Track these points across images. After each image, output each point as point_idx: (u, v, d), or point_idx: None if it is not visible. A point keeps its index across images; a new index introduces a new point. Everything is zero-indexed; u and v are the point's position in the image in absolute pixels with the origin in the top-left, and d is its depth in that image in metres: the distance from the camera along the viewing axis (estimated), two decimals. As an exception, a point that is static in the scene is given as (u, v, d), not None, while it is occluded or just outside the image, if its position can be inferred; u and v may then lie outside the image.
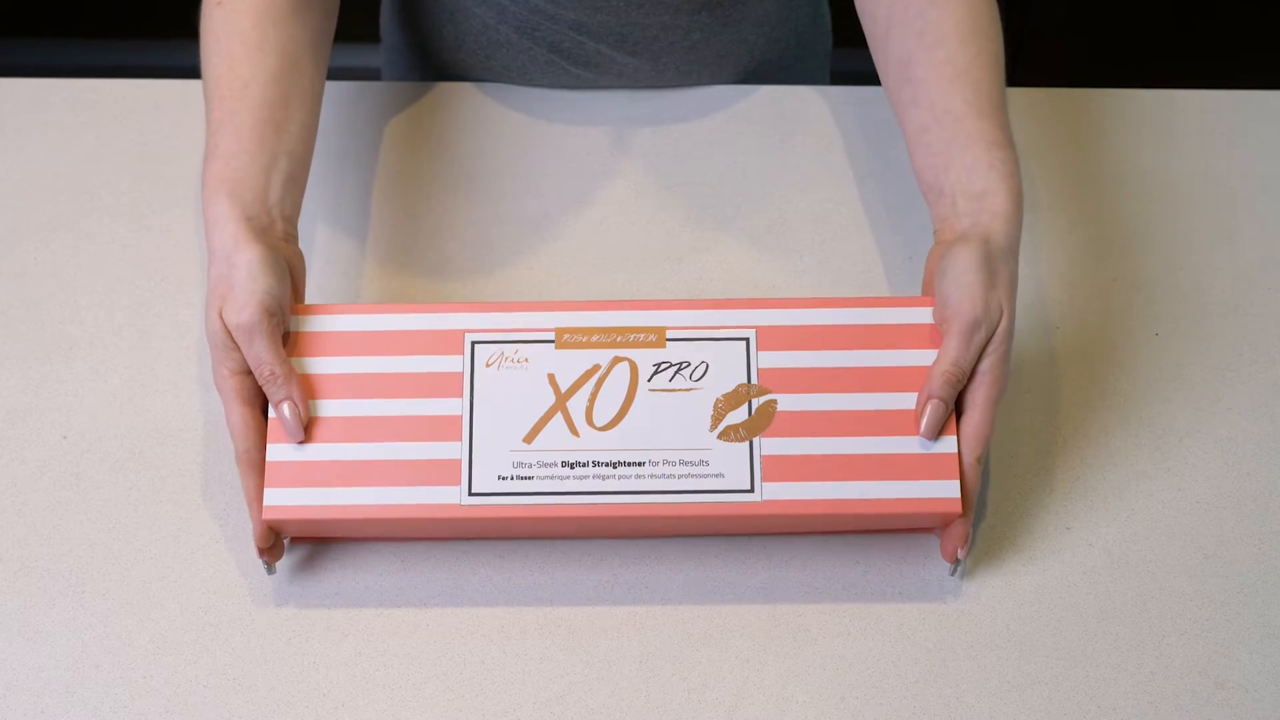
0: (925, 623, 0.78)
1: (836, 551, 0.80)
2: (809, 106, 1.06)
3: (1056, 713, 0.74)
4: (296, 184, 0.84)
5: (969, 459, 0.76)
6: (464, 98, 1.06)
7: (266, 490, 0.75)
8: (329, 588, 0.79)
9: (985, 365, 0.77)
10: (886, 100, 1.05)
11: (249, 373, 0.77)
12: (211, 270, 0.79)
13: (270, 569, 0.77)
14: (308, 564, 0.80)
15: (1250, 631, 0.77)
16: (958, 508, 0.74)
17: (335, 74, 1.03)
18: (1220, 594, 0.79)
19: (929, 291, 0.80)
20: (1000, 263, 0.78)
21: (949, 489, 0.75)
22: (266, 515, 0.75)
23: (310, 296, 0.92)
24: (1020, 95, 1.06)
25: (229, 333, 0.77)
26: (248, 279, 0.77)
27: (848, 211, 0.99)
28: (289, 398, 0.76)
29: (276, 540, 0.78)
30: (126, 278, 0.94)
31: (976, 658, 0.76)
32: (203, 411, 0.87)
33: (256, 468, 0.76)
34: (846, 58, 1.31)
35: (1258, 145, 1.04)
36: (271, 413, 0.77)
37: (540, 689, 0.75)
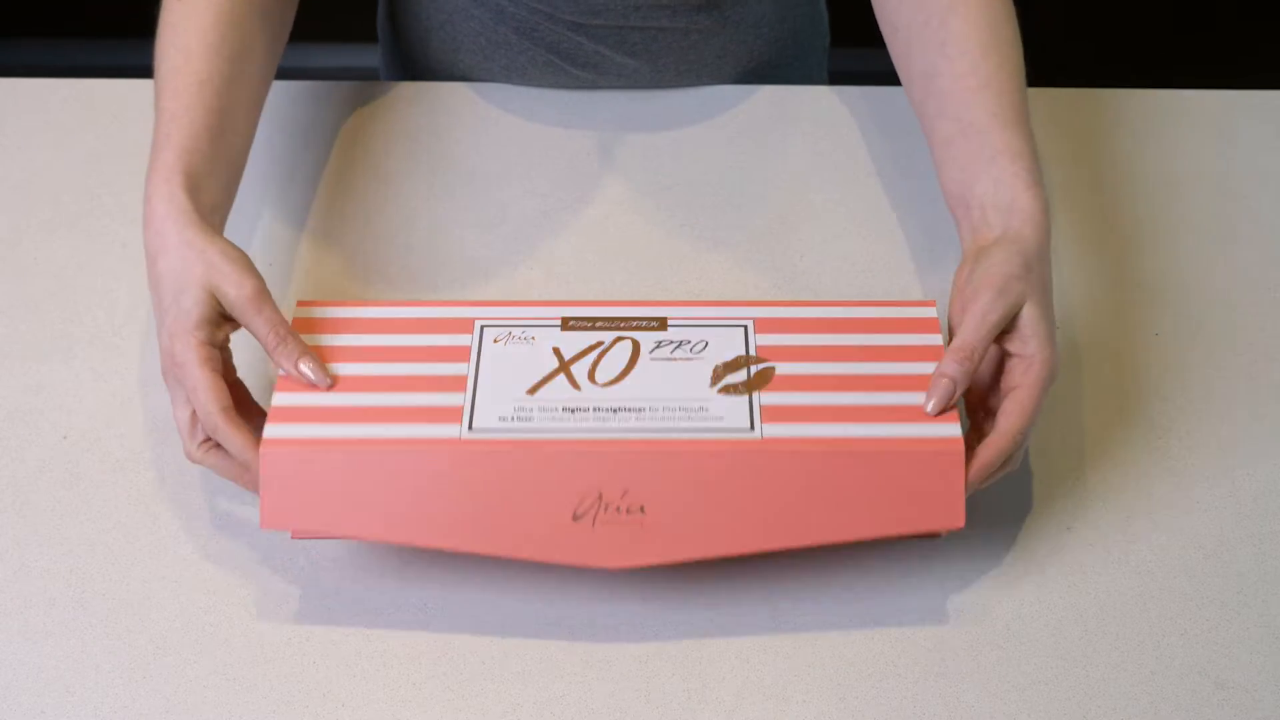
0: (925, 623, 0.78)
1: (837, 552, 0.80)
2: (808, 106, 1.06)
3: (1056, 713, 0.74)
4: (230, 193, 0.85)
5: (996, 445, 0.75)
6: (463, 98, 1.06)
7: (268, 426, 0.75)
8: (329, 588, 0.79)
9: (1024, 351, 0.77)
10: (885, 100, 1.06)
11: (218, 345, 0.78)
12: (169, 257, 0.78)
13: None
14: (308, 564, 0.80)
15: (1250, 631, 0.77)
16: (959, 446, 0.74)
17: (335, 74, 1.03)
18: (1220, 594, 0.79)
19: (957, 305, 0.79)
20: (1035, 260, 0.78)
21: (950, 430, 0.75)
22: (266, 446, 0.74)
23: (310, 296, 0.92)
24: (1020, 95, 1.06)
25: (221, 309, 0.77)
26: (236, 257, 0.78)
27: (847, 211, 0.99)
28: (305, 353, 0.77)
29: None
30: (126, 278, 0.94)
31: (976, 658, 0.76)
32: (203, 411, 0.87)
33: (237, 422, 0.75)
34: (844, 57, 1.32)
35: (1258, 145, 1.04)
36: (281, 371, 0.77)
37: (540, 689, 0.75)
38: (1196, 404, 0.88)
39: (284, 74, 1.05)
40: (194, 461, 0.78)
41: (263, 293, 0.78)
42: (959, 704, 0.74)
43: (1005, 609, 0.78)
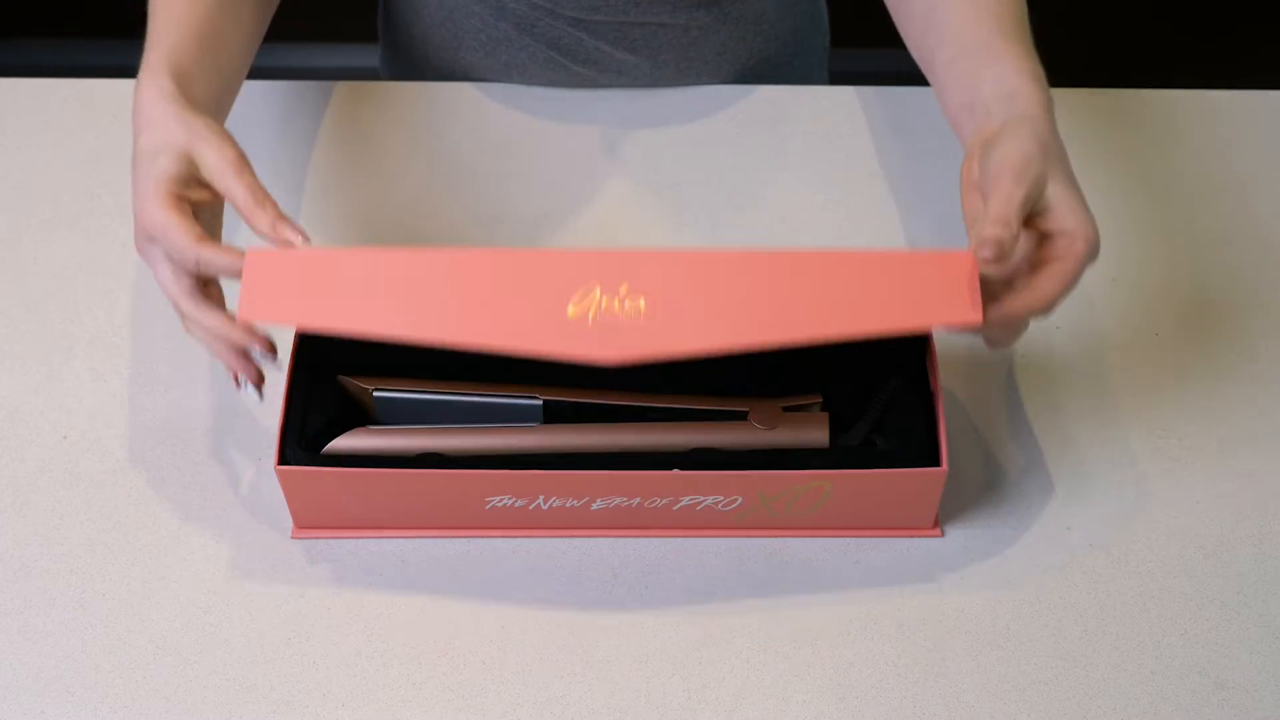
0: (925, 623, 0.78)
1: (836, 552, 0.80)
2: (808, 106, 1.06)
3: (1056, 713, 0.74)
4: (220, 109, 0.84)
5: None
6: (464, 97, 1.06)
7: (251, 247, 0.73)
8: (329, 587, 0.79)
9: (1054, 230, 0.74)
10: (885, 100, 1.06)
11: (190, 203, 0.76)
12: (153, 131, 0.77)
13: (265, 362, 0.77)
14: (308, 564, 0.80)
15: (1250, 631, 0.77)
16: (970, 255, 0.70)
17: (335, 74, 1.03)
18: (1220, 594, 0.79)
19: (971, 200, 0.76)
20: (1049, 138, 0.75)
21: (957, 253, 0.71)
22: (250, 261, 0.72)
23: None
24: (1020, 95, 1.06)
25: (198, 175, 0.76)
26: (219, 129, 0.77)
27: (847, 211, 0.99)
28: (284, 217, 0.75)
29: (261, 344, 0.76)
30: (126, 278, 0.95)
31: (977, 658, 0.76)
32: (203, 411, 0.87)
33: (218, 245, 0.74)
34: (844, 57, 1.31)
35: (1258, 145, 1.04)
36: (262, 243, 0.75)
37: (540, 689, 0.75)
38: (1196, 404, 0.88)
39: (284, 74, 1.05)
40: (193, 326, 0.76)
41: (244, 160, 0.76)
42: (959, 704, 0.74)
43: (1005, 609, 0.78)
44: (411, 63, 1.15)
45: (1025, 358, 0.90)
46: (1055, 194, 0.74)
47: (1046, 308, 0.73)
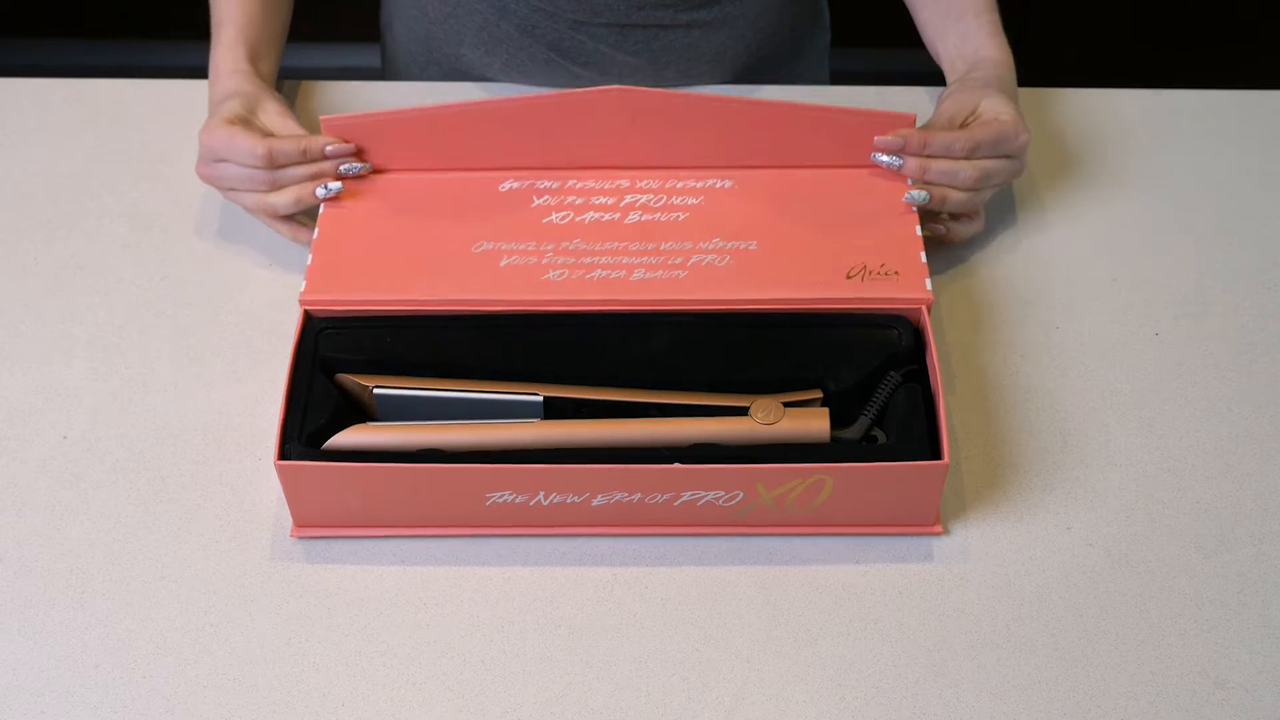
0: (925, 623, 0.78)
1: (836, 552, 0.80)
2: (809, 106, 1.06)
3: (1056, 713, 0.74)
4: (276, 70, 1.00)
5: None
6: (465, 97, 1.06)
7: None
8: (329, 587, 0.79)
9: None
10: (886, 100, 1.06)
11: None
12: (227, 87, 0.93)
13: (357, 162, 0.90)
14: (308, 564, 0.80)
15: (1250, 631, 0.77)
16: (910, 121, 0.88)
17: (335, 74, 1.03)
18: (1220, 594, 0.79)
19: None
20: (995, 84, 0.92)
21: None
22: (325, 126, 0.89)
23: (313, 298, 0.92)
24: (1020, 95, 1.06)
25: (258, 119, 0.92)
26: (279, 97, 0.94)
27: (848, 211, 0.98)
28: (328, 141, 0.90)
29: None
30: (126, 278, 0.95)
31: (976, 658, 0.76)
32: (203, 412, 0.87)
33: (258, 127, 0.92)
34: (845, 57, 1.31)
35: (1258, 145, 1.04)
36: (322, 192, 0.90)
37: (540, 689, 0.75)
38: (1196, 404, 0.88)
39: (285, 73, 1.05)
40: (281, 178, 0.90)
41: (293, 115, 0.93)
42: (959, 704, 0.74)
43: (1005, 608, 0.78)
44: (413, 58, 1.15)
45: (1025, 357, 0.90)
46: (985, 105, 0.91)
47: (955, 141, 0.87)
